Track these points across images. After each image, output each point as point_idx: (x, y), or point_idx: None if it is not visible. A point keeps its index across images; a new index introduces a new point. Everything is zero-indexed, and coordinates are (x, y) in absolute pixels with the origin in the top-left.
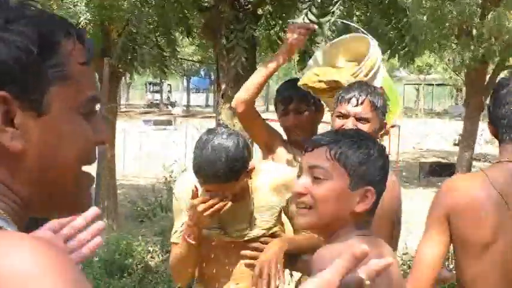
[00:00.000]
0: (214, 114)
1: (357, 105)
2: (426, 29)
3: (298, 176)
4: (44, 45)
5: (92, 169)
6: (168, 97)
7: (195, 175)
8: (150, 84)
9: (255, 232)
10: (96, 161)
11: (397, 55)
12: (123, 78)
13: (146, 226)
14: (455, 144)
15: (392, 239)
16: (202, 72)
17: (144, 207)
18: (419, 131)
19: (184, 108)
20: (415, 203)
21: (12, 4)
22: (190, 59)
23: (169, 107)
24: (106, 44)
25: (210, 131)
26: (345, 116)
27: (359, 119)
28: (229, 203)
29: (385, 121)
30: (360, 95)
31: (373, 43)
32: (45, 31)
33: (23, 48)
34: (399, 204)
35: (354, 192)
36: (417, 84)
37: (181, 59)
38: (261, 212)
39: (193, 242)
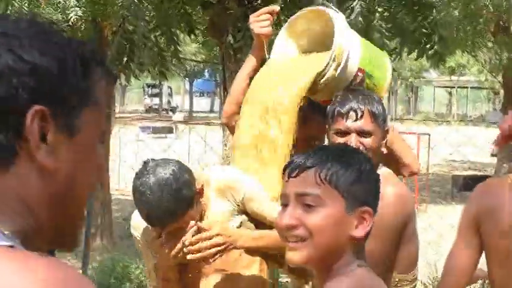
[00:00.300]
0: (220, 121)
1: (356, 120)
2: (458, 25)
3: (284, 205)
4: (82, 67)
5: None
6: (169, 101)
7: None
8: (148, 86)
9: None
10: None
11: (424, 55)
12: (118, 80)
13: None
14: (492, 155)
15: (396, 262)
16: (206, 74)
17: None
18: (452, 140)
19: (187, 114)
20: (447, 222)
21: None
22: (193, 58)
23: (170, 113)
24: (99, 42)
25: (140, 174)
26: (345, 133)
27: (361, 134)
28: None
29: (387, 128)
30: (359, 107)
31: (336, 17)
32: (83, 53)
33: (66, 63)
34: (407, 222)
35: (351, 215)
36: (449, 87)
37: (183, 58)
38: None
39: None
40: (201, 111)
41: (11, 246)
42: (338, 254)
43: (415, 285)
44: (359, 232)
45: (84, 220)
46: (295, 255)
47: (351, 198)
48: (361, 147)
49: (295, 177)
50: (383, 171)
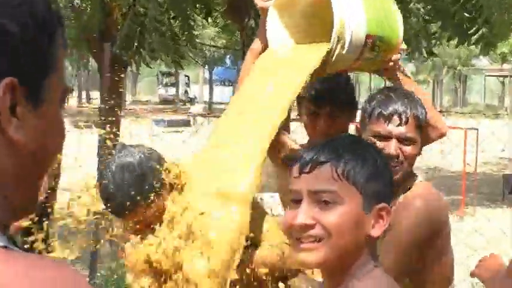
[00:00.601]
0: None
1: (400, 124)
2: (508, 6)
3: (294, 203)
4: (46, 32)
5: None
6: (186, 92)
7: (118, 216)
8: (163, 75)
9: None
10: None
11: (468, 41)
12: (129, 68)
13: None
14: None
15: (424, 283)
16: (228, 61)
17: None
18: (504, 135)
19: (206, 105)
20: (496, 226)
21: None
22: (212, 44)
23: (188, 104)
24: (107, 25)
25: (108, 158)
26: (385, 138)
27: (403, 140)
28: None
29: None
30: (404, 111)
31: None
32: (48, 17)
33: (32, 29)
34: (434, 238)
35: (368, 213)
36: (502, 76)
37: (201, 43)
38: None
39: None
40: (222, 103)
41: (5, 247)
42: (355, 254)
43: None
44: (376, 231)
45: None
46: (310, 257)
47: (368, 195)
48: (400, 156)
49: (308, 172)
50: (420, 184)
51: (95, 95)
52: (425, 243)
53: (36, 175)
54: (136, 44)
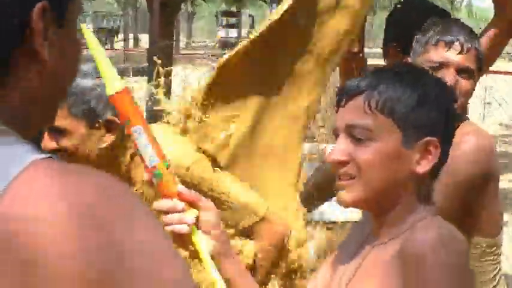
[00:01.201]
0: None
1: (461, 53)
2: None
3: (336, 136)
4: None
5: None
6: (250, 33)
7: None
8: (222, 14)
9: None
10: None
11: None
12: (183, 5)
13: None
14: None
15: (475, 226)
16: None
17: None
18: None
19: None
20: None
21: None
22: None
23: None
24: None
25: None
26: (442, 66)
27: (461, 71)
28: None
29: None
30: (466, 41)
31: None
32: None
33: None
34: (489, 179)
35: (410, 149)
36: None
37: None
38: None
39: None
40: None
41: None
42: (396, 195)
43: (500, 254)
44: (422, 167)
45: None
46: (345, 195)
47: (410, 128)
48: (457, 89)
49: (344, 106)
50: (468, 123)
51: (144, 38)
52: (476, 186)
53: (58, 95)
54: None
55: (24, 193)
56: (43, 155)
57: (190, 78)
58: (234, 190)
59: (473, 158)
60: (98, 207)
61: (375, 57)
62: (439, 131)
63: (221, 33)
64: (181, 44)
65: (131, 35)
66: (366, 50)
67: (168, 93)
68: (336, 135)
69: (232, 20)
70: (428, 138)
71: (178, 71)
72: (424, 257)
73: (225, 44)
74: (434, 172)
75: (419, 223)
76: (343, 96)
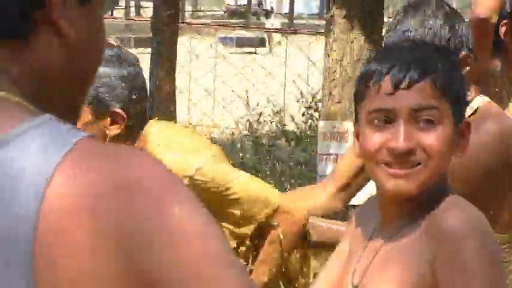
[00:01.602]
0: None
1: None
2: None
3: (383, 122)
4: None
5: None
6: (261, 2)
7: None
8: None
9: None
10: (147, 98)
11: None
12: None
13: None
14: None
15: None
16: None
17: None
18: None
19: (285, 20)
20: None
21: None
22: None
23: (262, 18)
24: None
25: None
26: None
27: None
28: None
29: None
30: None
31: None
32: None
33: None
34: (505, 165)
35: (456, 130)
36: None
37: None
38: None
39: None
40: (307, 15)
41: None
42: (443, 179)
43: None
44: (462, 149)
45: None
46: (408, 184)
47: (458, 111)
48: None
49: (407, 88)
50: (482, 99)
51: (146, 5)
52: (497, 172)
53: (85, 77)
54: None
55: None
56: (82, 135)
57: (196, 49)
58: (247, 184)
59: (492, 149)
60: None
61: None
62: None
63: (229, 1)
64: (187, 14)
65: (132, 3)
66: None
67: (173, 64)
68: (386, 120)
69: None
70: (466, 120)
71: (183, 41)
72: (462, 235)
73: (233, 13)
74: None
75: (446, 199)
76: (402, 79)
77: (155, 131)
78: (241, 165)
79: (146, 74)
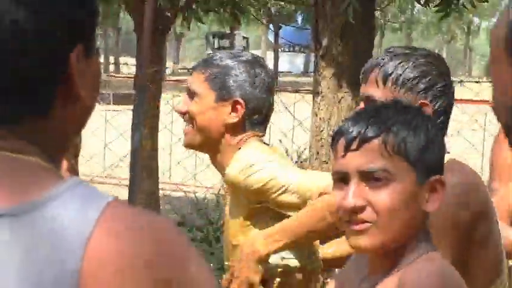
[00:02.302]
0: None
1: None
2: None
3: (340, 183)
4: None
5: (121, 170)
6: None
7: None
8: (213, 36)
9: None
10: (130, 156)
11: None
12: (172, 27)
13: (205, 257)
14: None
15: (467, 274)
16: (299, 18)
17: (202, 227)
18: None
19: None
20: None
21: None
22: None
23: None
24: None
25: None
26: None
27: None
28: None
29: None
30: None
31: None
32: None
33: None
34: (477, 219)
35: (422, 187)
36: None
37: None
38: None
39: None
40: (290, 73)
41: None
42: (410, 234)
43: None
44: (432, 206)
45: None
46: (364, 240)
47: (421, 168)
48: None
49: (355, 150)
50: (450, 160)
51: (124, 61)
52: (464, 228)
53: (86, 119)
54: None
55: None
56: (111, 198)
57: (177, 105)
58: (296, 179)
59: (455, 203)
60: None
61: None
62: (442, 168)
63: None
64: (168, 70)
65: (111, 58)
66: None
67: (156, 120)
68: (342, 180)
69: (225, 42)
70: (436, 176)
71: (166, 97)
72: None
73: None
74: None
75: (422, 256)
76: (353, 140)
77: (255, 145)
78: None
79: (128, 133)
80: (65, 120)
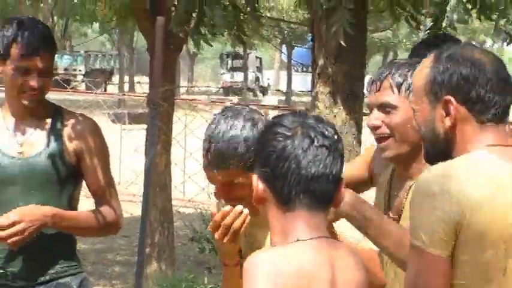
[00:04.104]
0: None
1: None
2: None
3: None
4: None
5: (135, 186)
6: (257, 78)
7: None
8: (227, 57)
9: None
10: (144, 173)
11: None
12: (185, 46)
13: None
14: None
15: None
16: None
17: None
18: None
19: (282, 96)
20: None
21: None
22: (290, 20)
23: (259, 95)
24: None
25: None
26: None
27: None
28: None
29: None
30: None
31: None
32: None
33: None
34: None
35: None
36: None
37: (272, 19)
38: None
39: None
40: (303, 92)
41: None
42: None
43: None
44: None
45: None
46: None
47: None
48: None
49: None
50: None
51: (138, 80)
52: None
53: None
54: (196, 18)
55: None
56: None
57: (191, 126)
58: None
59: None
60: None
61: None
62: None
63: (225, 77)
64: (182, 89)
65: (126, 78)
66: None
67: (169, 139)
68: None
69: (238, 63)
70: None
71: (179, 116)
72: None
73: (230, 89)
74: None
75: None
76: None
77: None
78: None
79: (142, 149)
80: None
